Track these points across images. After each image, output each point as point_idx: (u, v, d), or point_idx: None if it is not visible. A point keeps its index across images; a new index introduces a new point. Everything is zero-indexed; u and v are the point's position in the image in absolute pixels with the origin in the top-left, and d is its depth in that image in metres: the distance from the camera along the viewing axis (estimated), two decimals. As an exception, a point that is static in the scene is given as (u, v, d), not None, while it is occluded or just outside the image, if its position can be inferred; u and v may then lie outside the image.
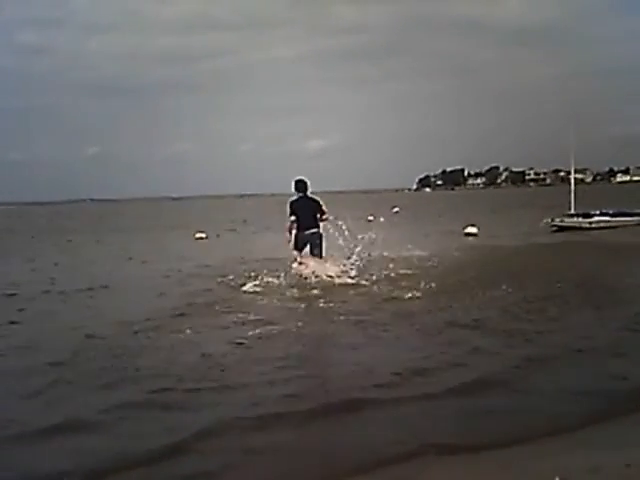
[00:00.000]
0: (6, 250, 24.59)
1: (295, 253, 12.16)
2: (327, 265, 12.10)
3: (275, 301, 10.40)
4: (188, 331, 8.14)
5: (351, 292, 10.97)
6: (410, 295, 10.28)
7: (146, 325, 8.57)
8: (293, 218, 11.98)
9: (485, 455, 4.44)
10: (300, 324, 8.53)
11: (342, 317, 8.94)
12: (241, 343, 7.49)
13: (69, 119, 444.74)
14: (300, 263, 12.09)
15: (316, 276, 11.84)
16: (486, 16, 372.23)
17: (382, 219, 41.95)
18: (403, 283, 11.46)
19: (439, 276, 11.93)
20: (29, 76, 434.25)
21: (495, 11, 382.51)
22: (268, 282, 11.73)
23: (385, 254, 14.68)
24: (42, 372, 6.48)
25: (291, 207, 12.12)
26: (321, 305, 9.91)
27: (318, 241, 12.06)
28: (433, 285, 10.96)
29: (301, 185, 12.22)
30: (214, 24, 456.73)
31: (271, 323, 8.70)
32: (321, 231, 12.14)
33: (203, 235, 27.11)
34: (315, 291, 11.04)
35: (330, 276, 11.87)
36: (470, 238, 23.70)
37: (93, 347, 7.45)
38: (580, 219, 26.59)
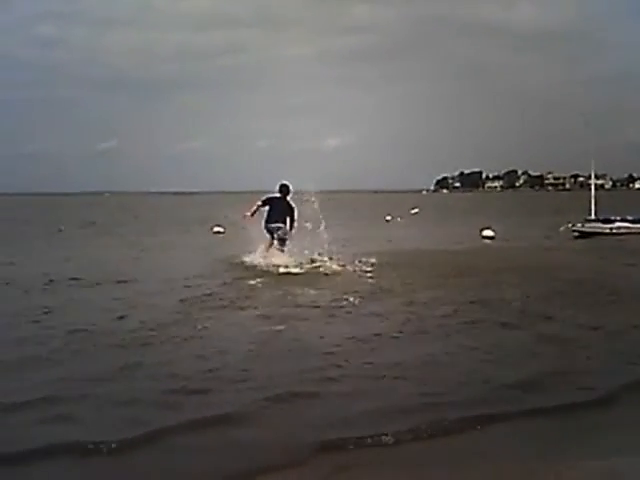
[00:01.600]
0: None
1: (269, 236, 13.84)
2: (285, 257, 13.32)
3: (310, 293, 10.59)
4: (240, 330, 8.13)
5: (374, 289, 10.89)
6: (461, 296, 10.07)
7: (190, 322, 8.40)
8: (260, 204, 13.90)
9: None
10: (358, 326, 8.25)
11: (390, 316, 8.67)
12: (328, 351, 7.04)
13: (85, 112, 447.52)
14: (267, 250, 13.65)
15: (274, 266, 12.91)
16: (502, 19, 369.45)
17: (400, 219, 41.99)
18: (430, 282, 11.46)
19: (479, 277, 11.94)
20: (46, 68, 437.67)
21: (511, 14, 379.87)
22: (289, 272, 12.60)
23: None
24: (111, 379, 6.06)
25: (266, 199, 13.96)
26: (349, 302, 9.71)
27: (282, 235, 13.64)
28: (476, 285, 11.02)
29: (284, 189, 14.01)
30: (229, 21, 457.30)
31: (329, 322, 8.57)
32: (287, 229, 13.71)
33: (221, 229, 27.25)
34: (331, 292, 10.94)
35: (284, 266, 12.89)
36: (487, 241, 23.57)
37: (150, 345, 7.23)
38: (601, 225, 26.27)
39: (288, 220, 13.71)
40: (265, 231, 13.80)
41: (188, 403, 5.43)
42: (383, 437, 4.64)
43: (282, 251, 13.62)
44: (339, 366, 6.38)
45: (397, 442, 4.61)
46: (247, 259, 13.70)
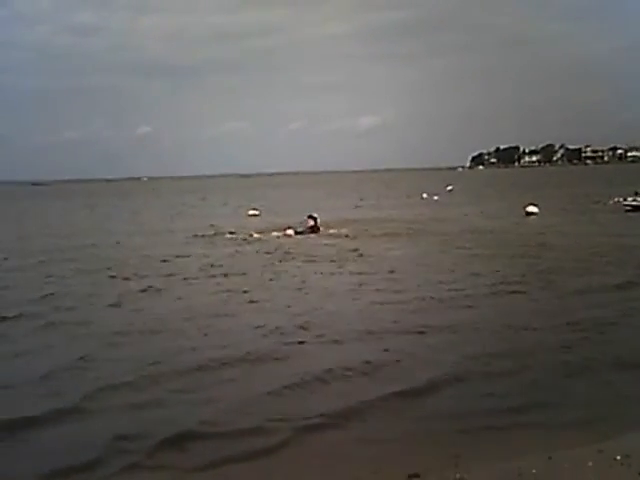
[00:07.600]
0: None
1: None
2: None
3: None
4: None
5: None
6: None
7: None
8: None
9: None
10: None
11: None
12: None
13: (121, 98, 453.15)
14: None
15: None
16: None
17: (436, 197, 41.57)
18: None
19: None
20: (84, 56, 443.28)
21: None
22: None
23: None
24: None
25: None
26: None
27: None
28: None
29: None
30: (262, 1, 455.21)
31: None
32: None
33: (256, 212, 28.24)
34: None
35: None
36: (532, 217, 22.89)
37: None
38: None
39: None
40: None
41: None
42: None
43: None
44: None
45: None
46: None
